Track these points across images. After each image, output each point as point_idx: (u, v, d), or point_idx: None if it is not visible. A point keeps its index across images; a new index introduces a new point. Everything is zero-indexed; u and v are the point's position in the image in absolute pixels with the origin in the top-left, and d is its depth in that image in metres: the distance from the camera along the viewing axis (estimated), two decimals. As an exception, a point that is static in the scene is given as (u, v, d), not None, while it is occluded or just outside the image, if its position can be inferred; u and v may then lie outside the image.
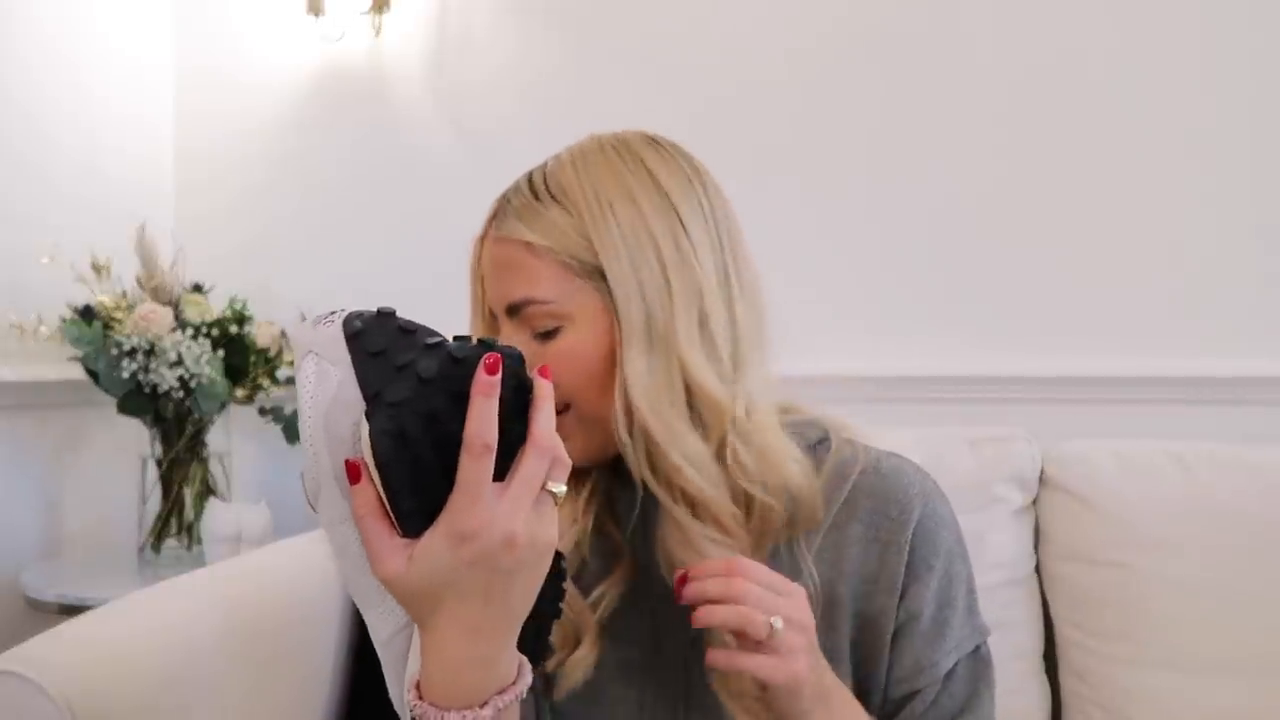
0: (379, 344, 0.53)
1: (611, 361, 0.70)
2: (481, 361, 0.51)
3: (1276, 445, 1.38)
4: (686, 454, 0.69)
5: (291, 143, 1.97)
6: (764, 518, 0.72)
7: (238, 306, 1.77)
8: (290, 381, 1.80)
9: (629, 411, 0.69)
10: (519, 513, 0.52)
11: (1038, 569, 1.40)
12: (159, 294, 1.69)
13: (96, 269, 1.68)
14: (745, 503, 0.71)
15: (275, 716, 1.16)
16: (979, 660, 0.77)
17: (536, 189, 0.75)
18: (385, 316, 0.54)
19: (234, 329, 1.73)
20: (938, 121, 1.69)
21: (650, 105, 1.80)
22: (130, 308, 1.66)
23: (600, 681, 0.74)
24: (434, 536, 0.52)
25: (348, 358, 0.53)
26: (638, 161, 0.74)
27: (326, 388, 0.53)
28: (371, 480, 0.52)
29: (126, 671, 0.97)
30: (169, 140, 2.02)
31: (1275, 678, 1.23)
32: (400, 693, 0.58)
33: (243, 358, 1.74)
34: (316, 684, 1.24)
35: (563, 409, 0.69)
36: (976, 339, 1.66)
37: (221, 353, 1.68)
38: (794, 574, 0.72)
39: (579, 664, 0.72)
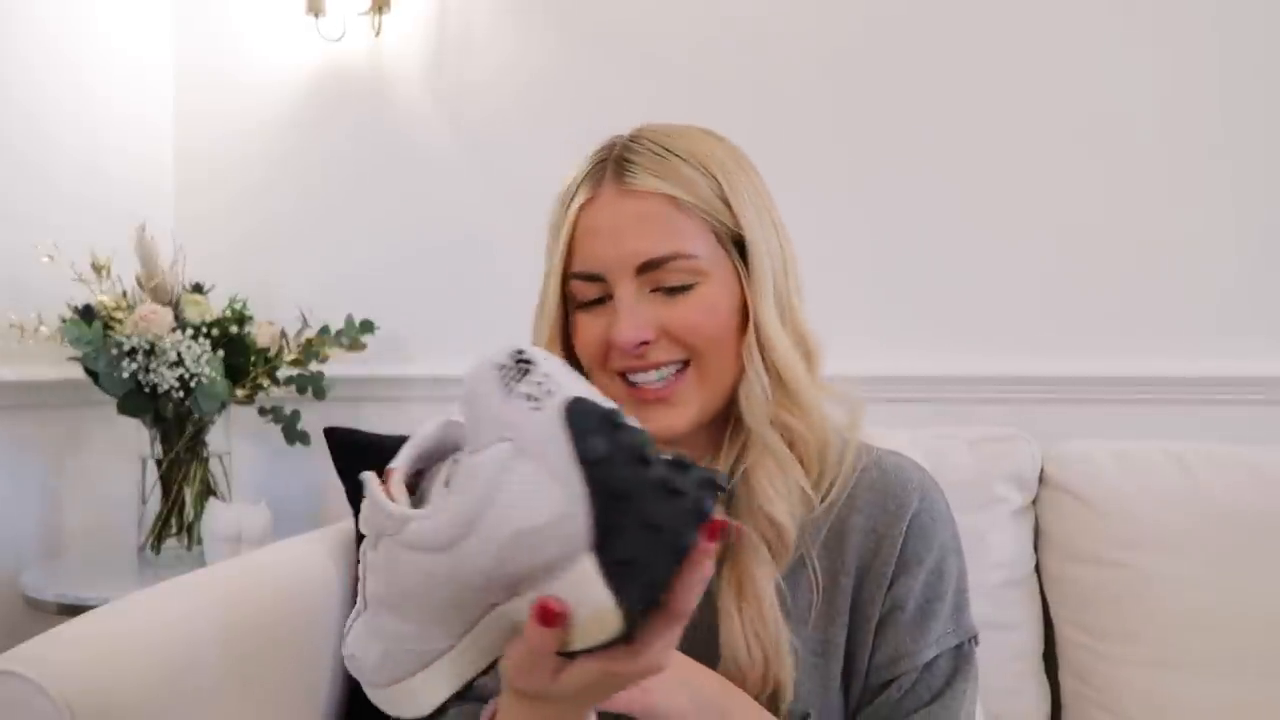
0: (622, 484, 0.45)
1: (737, 323, 0.74)
2: (703, 528, 0.45)
3: (1276, 445, 1.38)
4: (802, 389, 0.74)
5: (291, 142, 1.97)
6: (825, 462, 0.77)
7: (238, 306, 1.77)
8: (290, 382, 1.81)
9: (767, 367, 0.73)
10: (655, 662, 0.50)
11: (1037, 569, 1.40)
12: (159, 294, 1.69)
13: (96, 269, 1.68)
14: (823, 450, 0.76)
15: (275, 716, 1.16)
16: (960, 656, 0.76)
17: (660, 148, 0.74)
18: (618, 430, 0.46)
19: (234, 329, 1.73)
20: (937, 122, 1.69)
21: (649, 105, 1.79)
22: (130, 308, 1.66)
23: None
24: (591, 667, 0.49)
25: (583, 489, 0.45)
26: (720, 137, 0.78)
27: (538, 507, 0.45)
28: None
29: (126, 671, 0.97)
30: (169, 140, 2.02)
31: (1275, 678, 1.23)
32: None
33: (243, 358, 1.74)
34: (316, 684, 1.24)
35: (684, 366, 0.73)
36: (976, 339, 1.66)
37: (221, 353, 1.68)
38: (799, 566, 0.75)
39: None
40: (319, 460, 1.78)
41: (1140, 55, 1.62)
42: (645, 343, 0.71)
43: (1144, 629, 1.29)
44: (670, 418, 0.73)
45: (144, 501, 1.76)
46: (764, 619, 0.72)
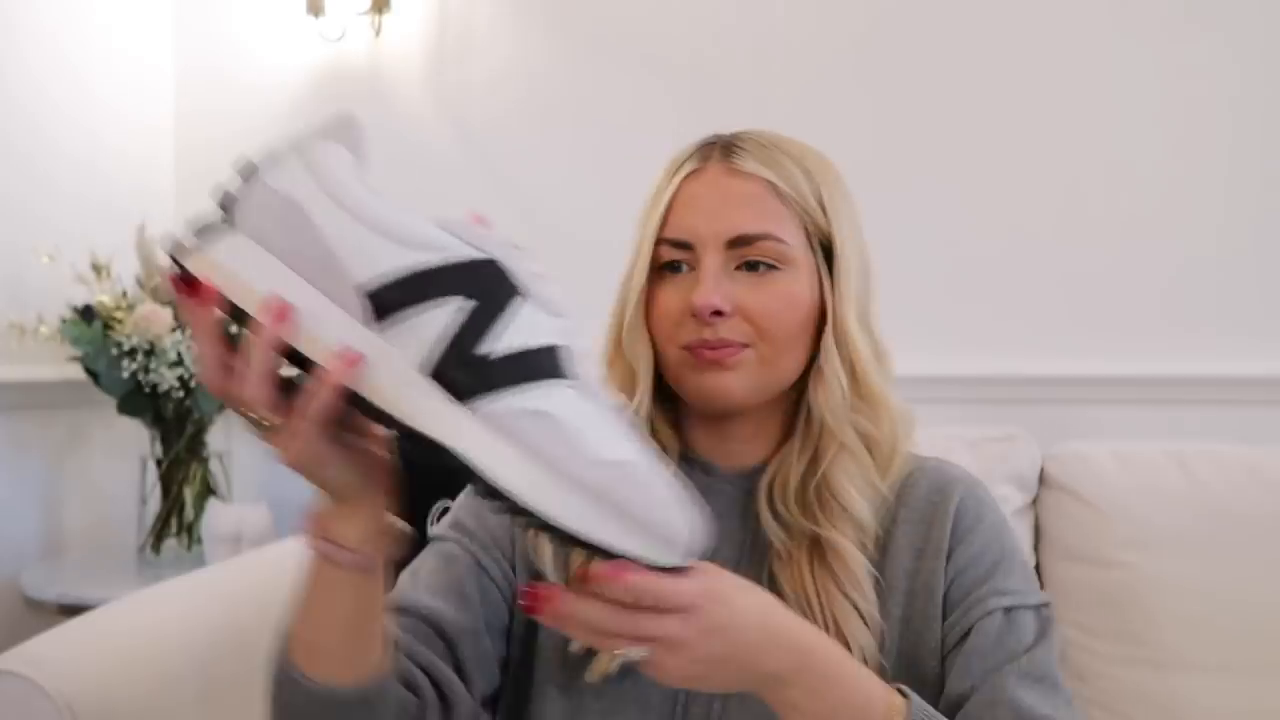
0: None
1: (810, 320, 0.76)
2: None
3: (1276, 445, 1.38)
4: (881, 395, 0.77)
5: (291, 143, 1.97)
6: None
7: (238, 306, 1.77)
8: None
9: (844, 366, 0.76)
10: None
11: (1038, 569, 1.40)
12: (159, 294, 1.69)
13: (96, 269, 1.68)
14: (896, 452, 0.79)
15: (275, 716, 1.16)
16: (1043, 619, 0.74)
17: (768, 143, 0.78)
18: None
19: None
20: (937, 122, 1.69)
21: (650, 105, 1.80)
22: (130, 308, 1.66)
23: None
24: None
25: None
26: (817, 151, 0.81)
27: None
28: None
29: (126, 671, 0.97)
30: (169, 140, 2.02)
31: (1275, 678, 1.23)
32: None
33: (243, 358, 1.73)
34: (316, 684, 1.24)
35: (748, 344, 0.74)
36: (976, 339, 1.66)
37: (221, 353, 1.68)
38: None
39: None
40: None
41: (1141, 57, 1.62)
42: (719, 312, 0.73)
43: (1144, 629, 1.28)
44: (725, 380, 0.74)
45: (144, 501, 1.76)
46: (869, 605, 0.73)
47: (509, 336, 0.50)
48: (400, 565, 0.75)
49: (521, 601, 0.53)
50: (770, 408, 0.79)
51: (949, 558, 0.76)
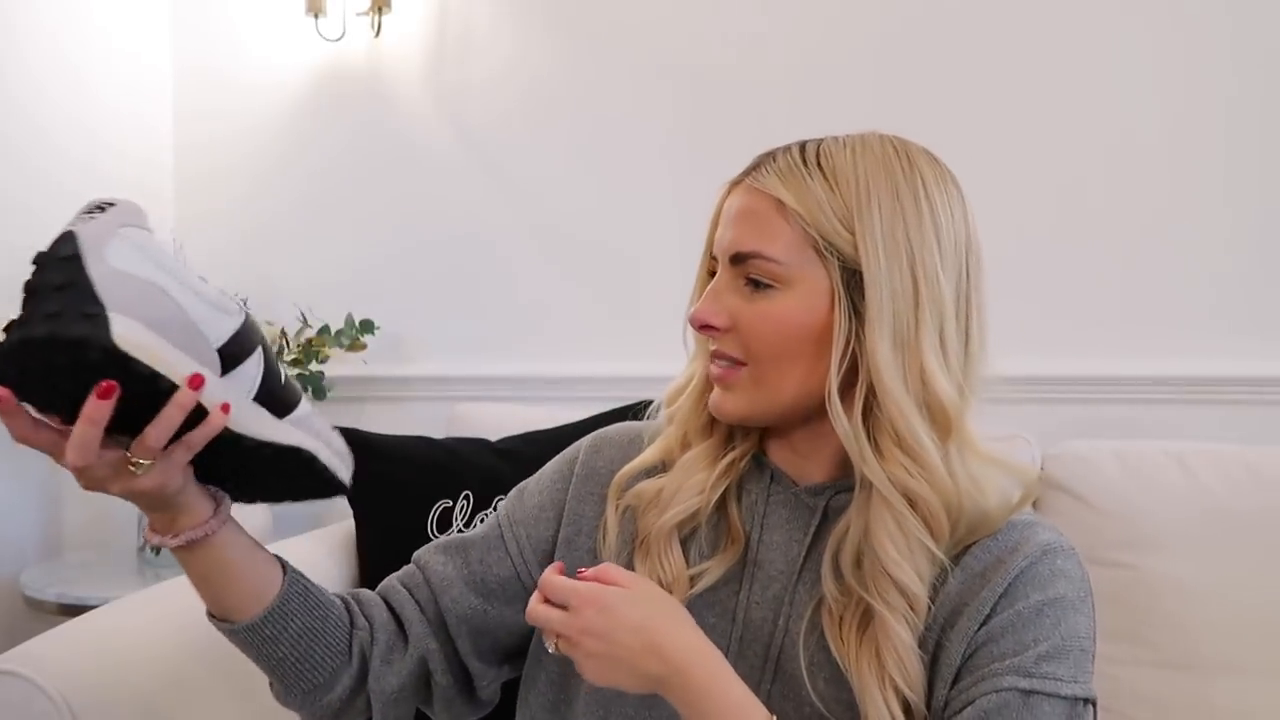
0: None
1: (813, 341, 0.71)
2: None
3: (1276, 445, 1.38)
4: (920, 445, 0.69)
5: (291, 142, 1.97)
6: (956, 532, 0.71)
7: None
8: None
9: (871, 393, 0.70)
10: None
11: (1038, 569, 1.40)
12: (159, 294, 1.69)
13: (96, 269, 1.68)
14: (951, 515, 0.70)
15: (274, 716, 1.16)
16: (1076, 715, 0.66)
17: (807, 157, 0.74)
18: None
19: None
20: (937, 121, 1.69)
21: (650, 105, 1.80)
22: (130, 308, 1.66)
23: None
24: None
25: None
26: (913, 167, 0.74)
27: None
28: None
29: (126, 671, 0.97)
30: (169, 139, 2.02)
31: (1275, 678, 1.23)
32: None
33: (242, 358, 1.73)
34: (316, 684, 1.24)
35: (744, 361, 0.74)
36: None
37: (221, 353, 1.68)
38: None
39: None
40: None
41: (1143, 57, 1.62)
42: (708, 326, 0.74)
43: (1144, 629, 1.28)
44: (724, 400, 0.75)
45: (144, 501, 1.76)
46: (911, 684, 0.68)
47: (277, 366, 0.70)
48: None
49: None
50: (810, 428, 0.76)
51: (985, 621, 0.68)
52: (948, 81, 1.69)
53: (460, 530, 0.87)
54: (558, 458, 0.88)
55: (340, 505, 1.48)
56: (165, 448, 0.64)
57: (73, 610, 1.44)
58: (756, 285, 0.73)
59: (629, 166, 1.82)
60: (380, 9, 1.87)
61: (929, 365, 0.71)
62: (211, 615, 0.76)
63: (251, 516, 1.64)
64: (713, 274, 0.77)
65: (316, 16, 1.87)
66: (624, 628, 0.65)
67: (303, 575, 0.78)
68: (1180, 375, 1.58)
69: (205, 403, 0.63)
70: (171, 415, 0.62)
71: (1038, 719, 0.64)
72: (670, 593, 0.74)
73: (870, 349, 0.70)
